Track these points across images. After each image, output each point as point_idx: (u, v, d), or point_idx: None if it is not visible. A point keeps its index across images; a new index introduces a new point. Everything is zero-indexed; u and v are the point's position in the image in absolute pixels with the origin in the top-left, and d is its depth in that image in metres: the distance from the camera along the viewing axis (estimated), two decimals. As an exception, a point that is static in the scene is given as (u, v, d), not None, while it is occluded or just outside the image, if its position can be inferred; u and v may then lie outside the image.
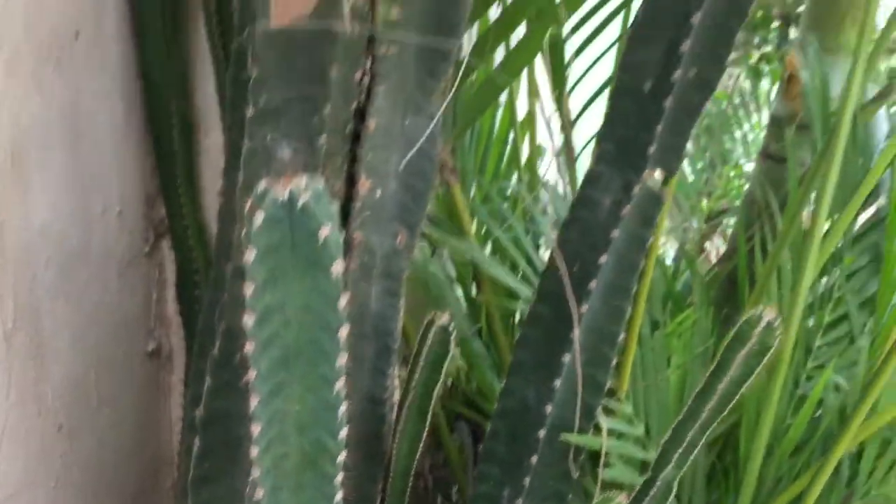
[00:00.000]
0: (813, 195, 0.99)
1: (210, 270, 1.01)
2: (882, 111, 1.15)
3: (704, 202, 2.16)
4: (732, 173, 2.30)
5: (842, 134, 0.91)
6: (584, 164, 1.21)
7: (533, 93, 1.05)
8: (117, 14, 0.87)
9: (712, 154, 2.12)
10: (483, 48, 0.80)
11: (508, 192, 1.12)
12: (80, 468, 0.95)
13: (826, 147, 0.98)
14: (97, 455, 0.98)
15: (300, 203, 0.45)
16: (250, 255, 0.47)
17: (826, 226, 0.98)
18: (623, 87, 0.70)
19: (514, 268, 0.96)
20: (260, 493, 0.57)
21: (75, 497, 0.95)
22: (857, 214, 1.07)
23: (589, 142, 1.17)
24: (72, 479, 0.93)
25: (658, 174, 0.71)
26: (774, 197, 1.11)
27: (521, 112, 1.19)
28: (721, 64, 0.67)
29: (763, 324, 0.63)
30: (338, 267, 0.48)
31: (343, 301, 0.50)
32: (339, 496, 0.58)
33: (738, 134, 2.11)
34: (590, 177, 0.72)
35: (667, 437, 0.70)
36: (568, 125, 1.09)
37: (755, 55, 2.52)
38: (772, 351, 0.64)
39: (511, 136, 1.18)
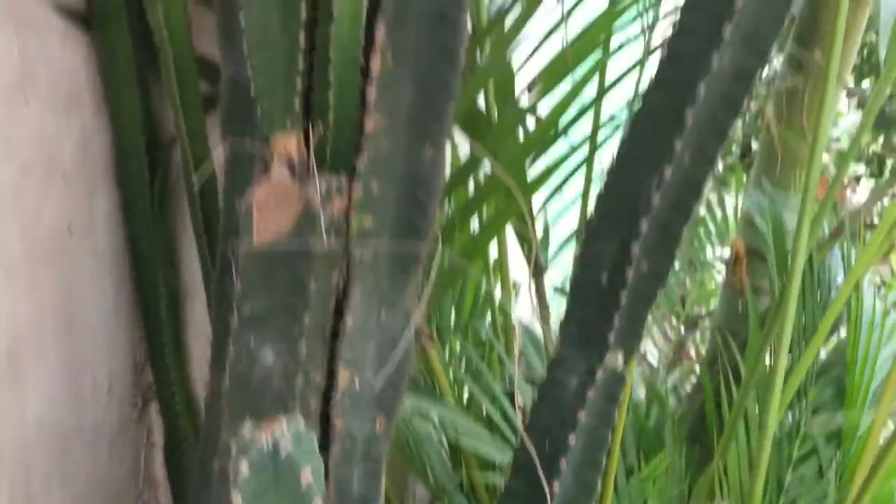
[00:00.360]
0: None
1: (197, 433, 1.05)
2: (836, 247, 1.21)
3: (681, 305, 2.22)
4: (703, 276, 2.37)
5: (796, 275, 0.96)
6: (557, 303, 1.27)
7: (502, 247, 1.10)
8: (107, 200, 0.92)
9: (683, 260, 2.19)
10: (451, 230, 0.86)
11: (483, 336, 1.16)
12: None
13: (783, 288, 1.04)
14: None
15: (283, 452, 0.49)
16: (237, 501, 0.51)
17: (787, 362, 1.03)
18: (582, 277, 0.75)
19: (490, 424, 0.99)
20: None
21: None
22: (818, 349, 1.12)
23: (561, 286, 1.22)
24: None
25: (620, 356, 0.75)
26: (739, 328, 1.16)
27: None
28: (671, 257, 0.72)
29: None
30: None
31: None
32: None
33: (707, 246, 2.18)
34: (556, 359, 0.77)
35: None
36: (539, 272, 1.15)
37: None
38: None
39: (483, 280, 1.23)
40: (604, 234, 0.73)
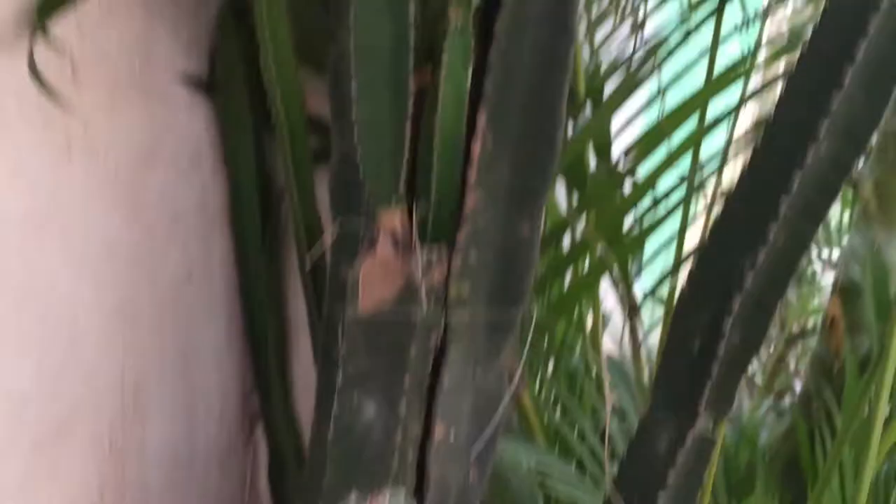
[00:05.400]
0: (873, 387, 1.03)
1: (299, 455, 1.11)
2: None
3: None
4: (807, 290, 2.31)
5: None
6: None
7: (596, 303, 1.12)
8: (222, 249, 0.99)
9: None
10: (543, 285, 0.88)
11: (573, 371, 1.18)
12: None
13: (882, 331, 1.02)
14: None
15: (387, 531, 0.53)
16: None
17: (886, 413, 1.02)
18: (673, 344, 0.77)
19: (580, 464, 1.02)
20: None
21: None
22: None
23: (653, 326, 1.23)
24: None
25: (711, 421, 0.77)
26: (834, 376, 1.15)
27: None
28: (764, 330, 0.73)
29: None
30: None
31: None
32: None
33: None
34: (646, 420, 0.79)
35: None
36: (634, 312, 1.16)
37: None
38: None
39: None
40: (696, 305, 0.75)
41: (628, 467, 0.80)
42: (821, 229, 2.23)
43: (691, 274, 0.74)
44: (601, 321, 1.21)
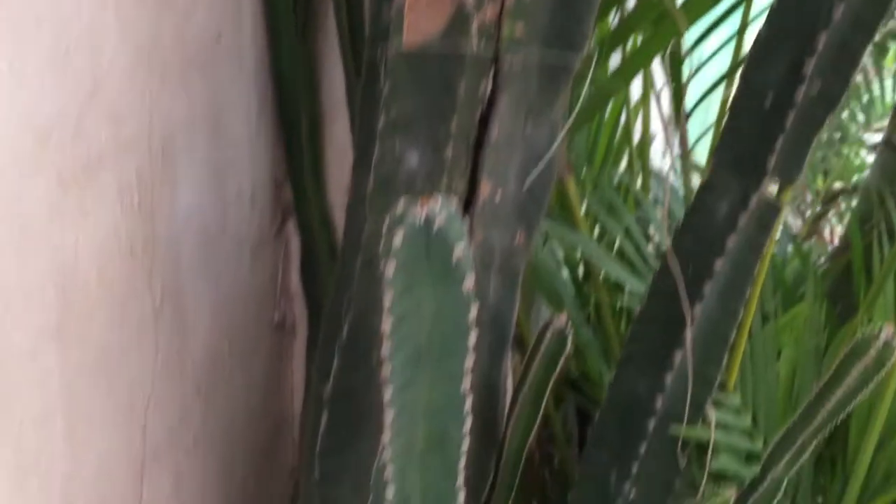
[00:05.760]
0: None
1: (332, 250, 1.08)
2: None
3: (820, 181, 2.10)
4: (849, 151, 2.23)
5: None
6: (698, 153, 1.22)
7: (647, 83, 1.06)
8: (253, 16, 0.93)
9: (829, 131, 2.06)
10: (600, 54, 0.82)
11: (617, 180, 1.14)
12: (215, 428, 1.04)
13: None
14: (230, 416, 1.07)
15: (436, 226, 0.50)
16: (390, 268, 0.52)
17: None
18: (744, 102, 0.71)
19: (621, 257, 0.98)
20: (389, 472, 0.62)
21: (211, 455, 1.04)
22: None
23: (703, 135, 1.17)
24: (208, 438, 1.02)
25: (776, 185, 0.72)
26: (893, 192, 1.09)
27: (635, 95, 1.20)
28: (847, 80, 0.67)
29: (881, 342, 0.64)
30: (469, 282, 0.52)
31: (473, 311, 0.54)
32: (461, 478, 0.63)
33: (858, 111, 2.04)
34: (706, 185, 0.74)
35: (778, 438, 0.72)
36: (683, 118, 1.10)
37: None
38: (888, 365, 0.65)
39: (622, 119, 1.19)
40: (773, 51, 0.68)
41: (684, 234, 0.75)
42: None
43: (771, 13, 0.67)
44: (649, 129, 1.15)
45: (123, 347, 0.83)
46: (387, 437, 0.61)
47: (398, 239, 0.50)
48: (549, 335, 0.69)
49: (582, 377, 1.13)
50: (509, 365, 0.83)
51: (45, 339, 0.72)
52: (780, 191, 0.73)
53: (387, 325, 0.55)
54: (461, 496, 0.64)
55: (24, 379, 0.70)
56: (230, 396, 1.06)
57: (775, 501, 0.73)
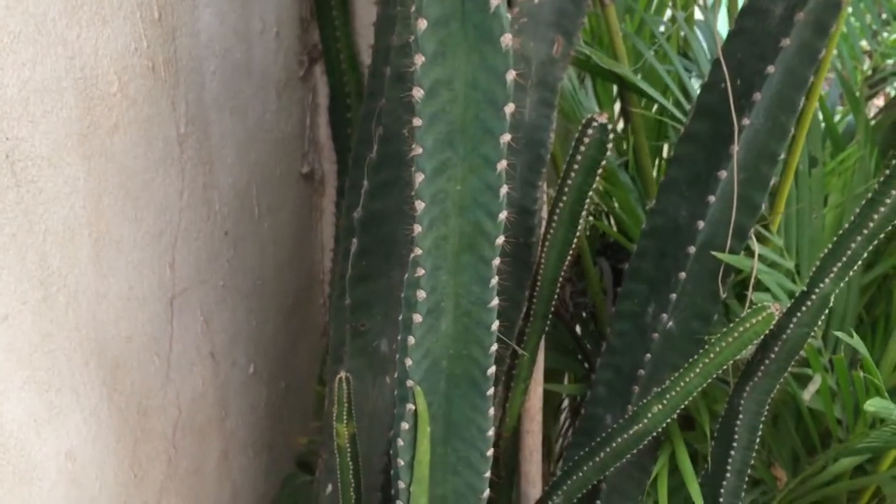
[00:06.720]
0: None
1: (360, 94, 1.04)
2: None
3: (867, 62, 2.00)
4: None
5: None
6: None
7: None
8: None
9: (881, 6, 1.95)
10: None
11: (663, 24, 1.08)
12: (244, 274, 1.02)
13: None
14: (259, 264, 1.06)
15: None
16: (421, 26, 0.48)
17: None
18: None
19: (664, 91, 0.93)
20: (420, 273, 0.59)
21: (241, 301, 1.03)
22: None
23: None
24: (237, 284, 1.01)
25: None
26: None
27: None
28: None
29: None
30: (507, 39, 0.49)
31: (510, 76, 0.50)
32: (494, 280, 0.60)
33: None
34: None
35: (826, 251, 0.68)
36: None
37: None
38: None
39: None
40: None
41: (732, 46, 0.70)
42: None
43: None
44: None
45: (149, 171, 0.80)
46: (417, 230, 0.57)
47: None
48: (589, 135, 0.65)
49: (616, 244, 1.10)
50: (544, 189, 0.80)
51: (68, 147, 0.69)
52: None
53: (418, 95, 0.51)
54: (494, 299, 0.61)
55: (46, 188, 0.68)
56: (259, 246, 1.04)
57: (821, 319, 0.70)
